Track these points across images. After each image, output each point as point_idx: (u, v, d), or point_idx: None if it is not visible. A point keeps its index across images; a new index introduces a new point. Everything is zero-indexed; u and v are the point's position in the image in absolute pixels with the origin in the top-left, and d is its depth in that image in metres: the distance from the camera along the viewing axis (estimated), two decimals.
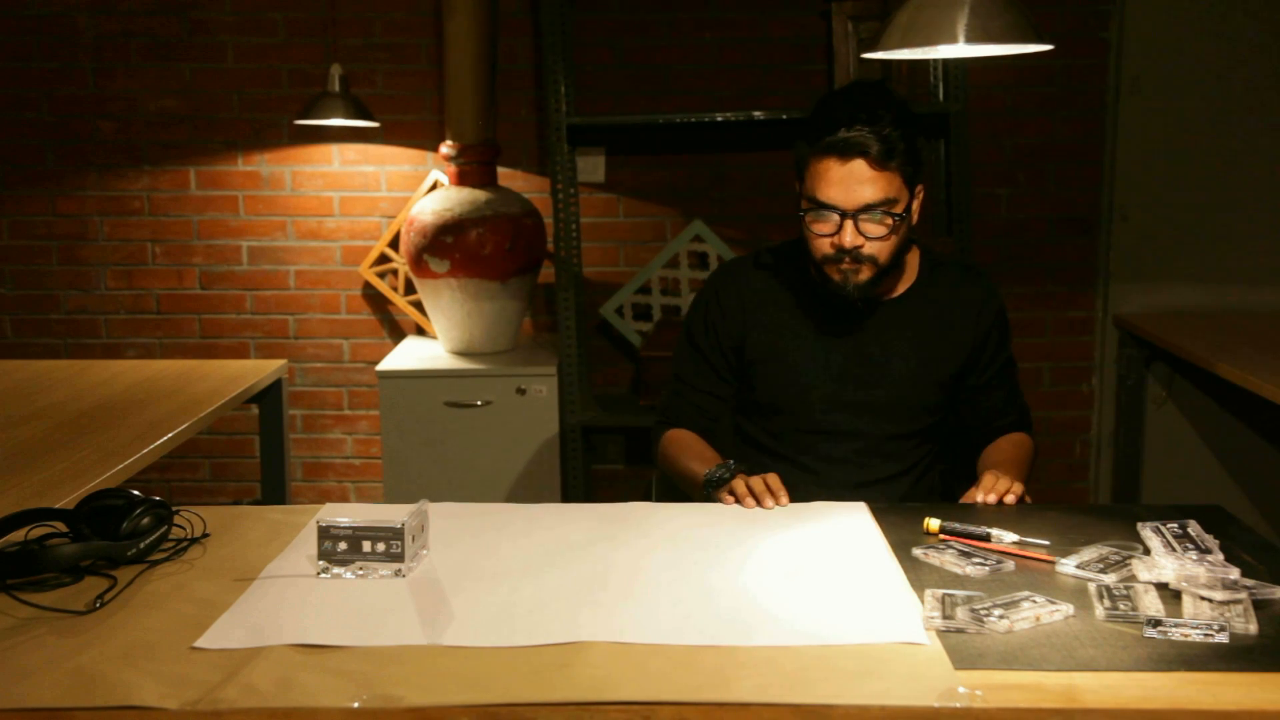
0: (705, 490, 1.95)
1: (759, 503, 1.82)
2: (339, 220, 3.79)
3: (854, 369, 2.07)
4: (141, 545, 1.55)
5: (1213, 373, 3.00)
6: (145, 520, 1.56)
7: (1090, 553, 1.55)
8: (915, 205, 1.97)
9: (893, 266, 1.99)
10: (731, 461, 1.97)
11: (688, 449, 2.10)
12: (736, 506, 1.83)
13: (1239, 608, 1.37)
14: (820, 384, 2.07)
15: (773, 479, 1.85)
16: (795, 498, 1.87)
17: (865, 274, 1.95)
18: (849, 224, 1.90)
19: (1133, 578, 1.49)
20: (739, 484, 1.85)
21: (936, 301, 2.09)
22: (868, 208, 1.89)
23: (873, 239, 1.91)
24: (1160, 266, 3.73)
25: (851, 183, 1.88)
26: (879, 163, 1.87)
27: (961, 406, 2.16)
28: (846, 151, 1.87)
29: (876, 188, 1.89)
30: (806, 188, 1.93)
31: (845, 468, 2.08)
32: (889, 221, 1.91)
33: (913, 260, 2.11)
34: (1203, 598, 1.40)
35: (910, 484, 2.12)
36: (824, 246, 1.94)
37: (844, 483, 2.06)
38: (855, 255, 1.92)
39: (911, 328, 2.07)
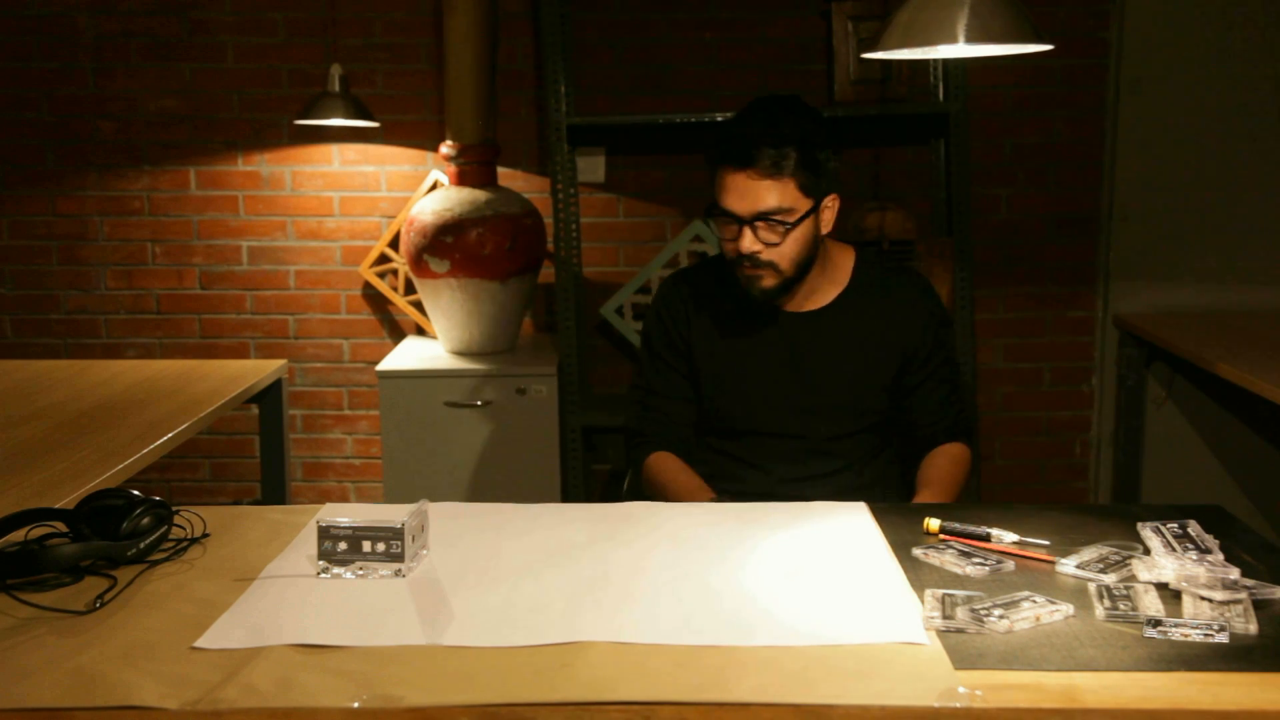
0: None
1: None
2: (339, 220, 3.79)
3: (791, 374, 2.14)
4: (141, 545, 1.55)
5: (1213, 373, 3.00)
6: (145, 520, 1.56)
7: (1090, 553, 1.55)
8: (827, 215, 2.06)
9: (801, 273, 2.06)
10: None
11: (673, 479, 2.14)
12: (737, 506, 1.83)
13: (1239, 608, 1.37)
14: (759, 389, 2.14)
15: None
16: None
17: (769, 279, 2.04)
18: (746, 230, 1.99)
19: (1133, 578, 1.49)
20: None
21: (872, 306, 2.15)
22: (761, 215, 1.98)
23: (769, 245, 2.00)
24: (1160, 266, 3.73)
25: (745, 191, 1.97)
26: (770, 172, 1.95)
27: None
28: (740, 161, 1.96)
29: (770, 196, 1.97)
30: (715, 192, 2.02)
31: (789, 464, 2.15)
32: (780, 230, 1.98)
33: (846, 266, 2.17)
34: (1203, 598, 1.40)
35: (855, 476, 2.17)
36: (730, 251, 2.04)
37: (788, 477, 2.14)
38: (754, 260, 2.01)
39: (847, 332, 2.13)
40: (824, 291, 2.15)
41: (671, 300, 2.22)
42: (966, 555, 1.56)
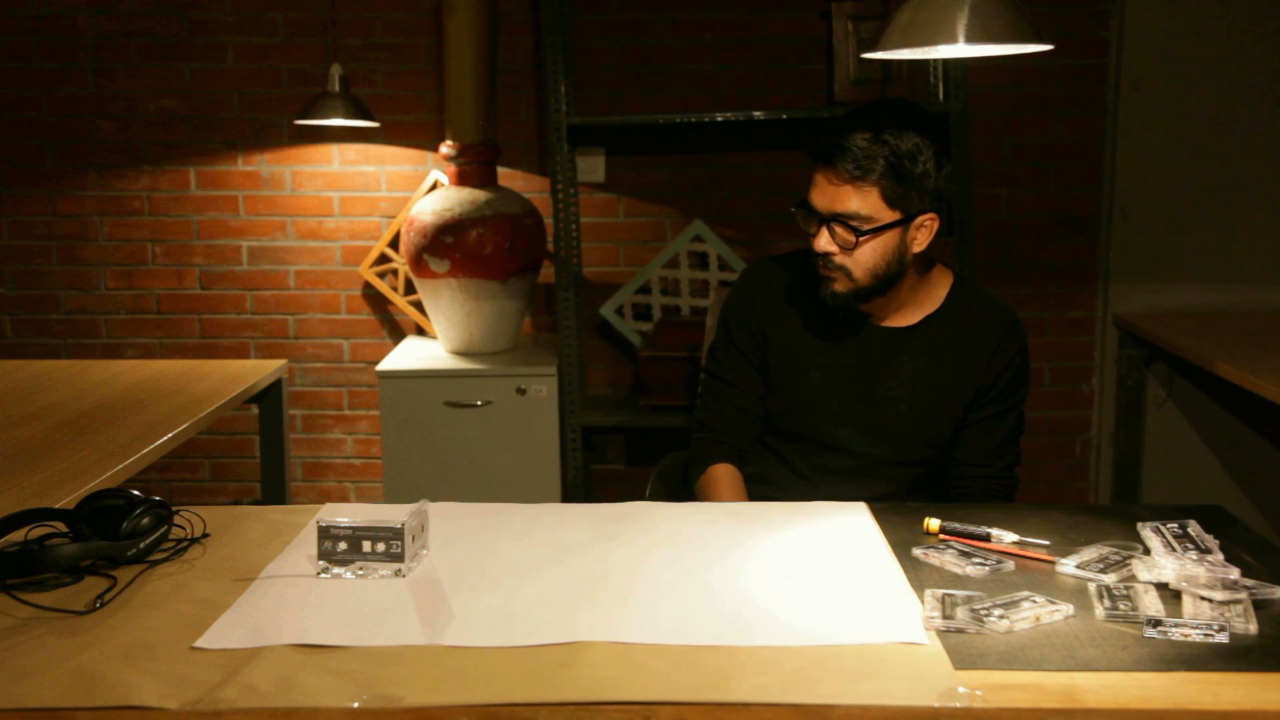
0: None
1: None
2: (339, 220, 3.79)
3: (861, 389, 2.06)
4: (141, 545, 1.55)
5: (1213, 373, 3.00)
6: (145, 520, 1.56)
7: (1090, 553, 1.55)
8: (920, 234, 1.96)
9: (878, 286, 1.98)
10: None
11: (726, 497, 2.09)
12: (737, 505, 1.83)
13: (1239, 608, 1.37)
14: (826, 399, 2.07)
15: None
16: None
17: (841, 284, 1.97)
18: (823, 229, 1.95)
19: (1133, 578, 1.49)
20: None
21: (955, 335, 2.06)
22: (838, 217, 1.93)
23: (844, 249, 1.94)
24: (1160, 266, 3.73)
25: (826, 189, 1.93)
26: (852, 175, 1.90)
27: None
28: (826, 158, 1.92)
29: (850, 200, 1.91)
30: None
31: (838, 479, 2.08)
32: (854, 236, 1.92)
33: (940, 289, 2.08)
34: (1203, 598, 1.40)
35: (895, 504, 2.11)
36: (812, 245, 1.99)
37: (833, 495, 2.03)
38: (827, 261, 1.96)
39: (924, 357, 2.06)
40: (911, 311, 2.06)
41: (755, 286, 2.14)
42: (966, 555, 1.56)
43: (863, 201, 1.91)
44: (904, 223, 1.93)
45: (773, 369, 2.11)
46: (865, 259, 1.94)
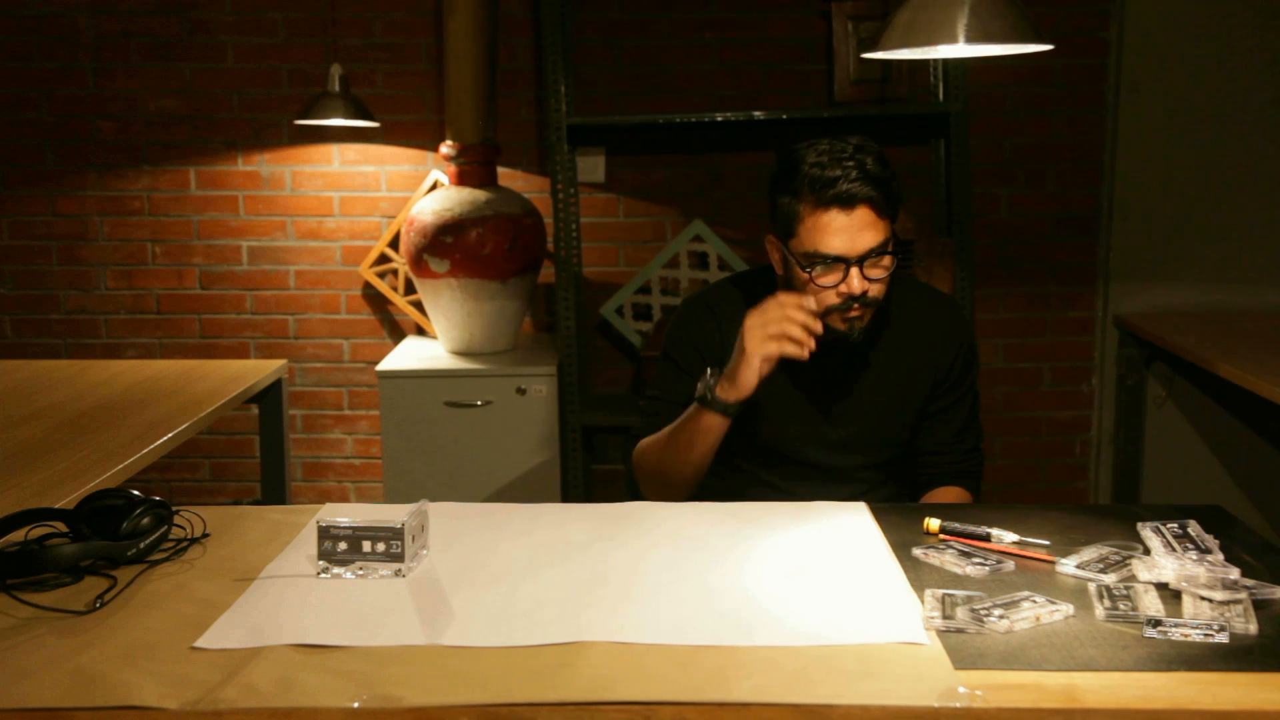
0: (708, 400, 1.92)
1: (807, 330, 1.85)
2: (339, 220, 3.79)
3: (824, 407, 2.08)
4: (141, 545, 1.55)
5: (1213, 373, 3.00)
6: (145, 520, 1.56)
7: (1090, 553, 1.55)
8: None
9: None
10: (708, 370, 1.95)
11: (658, 436, 2.05)
12: (736, 505, 1.83)
13: (1239, 608, 1.37)
14: (788, 423, 2.07)
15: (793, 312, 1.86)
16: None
17: (868, 317, 1.96)
18: (855, 271, 1.89)
19: (1133, 578, 1.49)
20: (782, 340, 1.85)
21: (904, 336, 2.08)
22: (871, 252, 1.89)
23: (876, 281, 1.92)
24: (1160, 266, 3.73)
25: (855, 231, 1.87)
26: (877, 207, 1.88)
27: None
28: (851, 202, 1.87)
29: (877, 231, 1.89)
30: (804, 241, 1.90)
31: (813, 486, 2.06)
32: (887, 261, 1.91)
33: None
34: (1203, 598, 1.40)
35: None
36: (830, 298, 1.91)
37: (805, 500, 2.01)
38: (863, 300, 1.92)
39: (879, 362, 2.08)
40: None
41: (699, 320, 2.12)
42: (966, 555, 1.56)
43: (884, 226, 1.90)
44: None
45: None
46: (887, 280, 1.94)
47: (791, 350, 1.85)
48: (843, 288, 1.90)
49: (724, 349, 2.01)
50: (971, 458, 2.15)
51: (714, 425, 1.95)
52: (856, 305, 1.92)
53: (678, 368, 2.13)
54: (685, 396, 2.04)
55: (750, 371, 1.88)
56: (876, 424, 2.09)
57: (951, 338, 2.10)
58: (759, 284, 2.09)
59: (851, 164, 1.87)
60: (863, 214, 1.87)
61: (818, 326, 1.87)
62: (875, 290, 1.92)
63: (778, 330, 1.85)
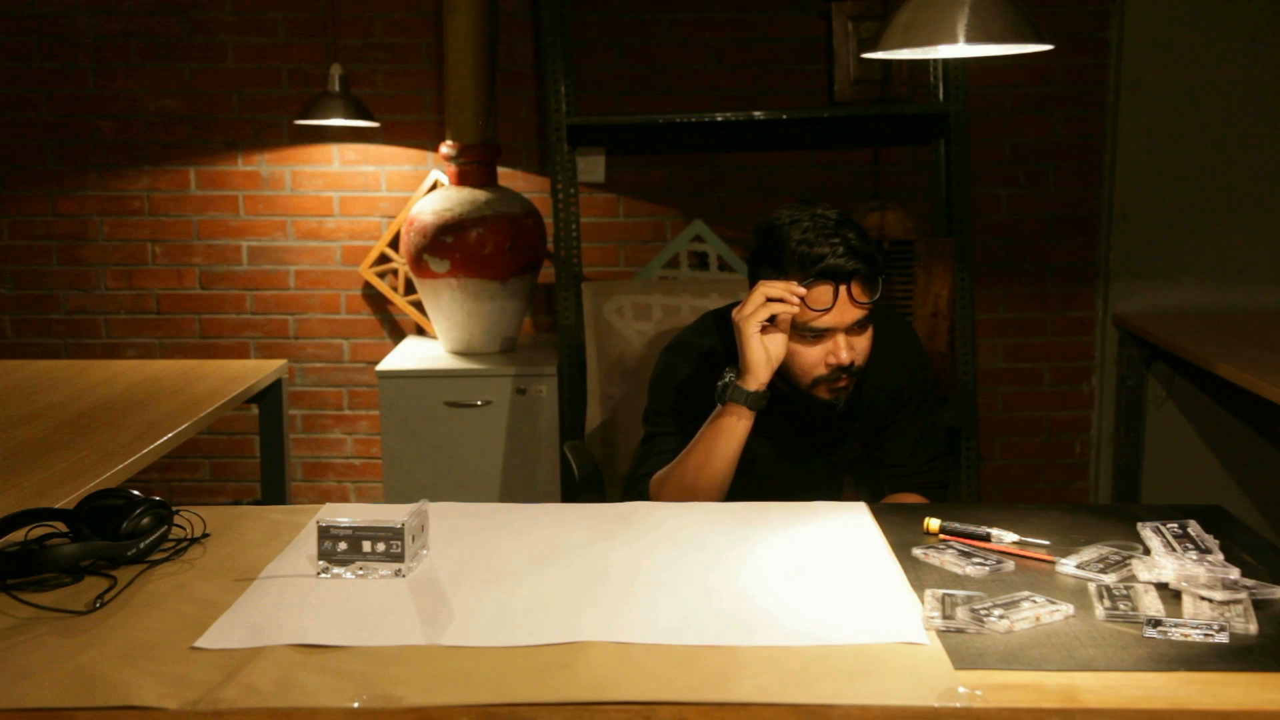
0: (731, 392, 1.94)
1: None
2: (339, 220, 3.79)
3: (793, 447, 2.12)
4: (141, 545, 1.55)
5: (1213, 373, 3.00)
6: (145, 520, 1.56)
7: (1090, 553, 1.55)
8: None
9: None
10: (726, 370, 1.98)
11: (678, 457, 2.05)
12: (737, 505, 1.83)
13: (1239, 608, 1.37)
14: (760, 463, 2.09)
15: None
16: None
17: (852, 386, 1.99)
18: (841, 340, 1.93)
19: (1133, 578, 1.49)
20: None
21: (872, 374, 2.07)
22: (858, 324, 1.93)
23: (861, 346, 1.96)
24: (1160, 266, 3.74)
25: (846, 305, 1.91)
26: (869, 280, 1.91)
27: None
28: (842, 278, 1.89)
29: (865, 301, 1.93)
30: (796, 309, 1.91)
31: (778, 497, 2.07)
32: (868, 328, 1.96)
33: None
34: (1203, 598, 1.40)
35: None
36: (818, 368, 1.95)
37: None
38: (849, 370, 1.95)
39: (857, 413, 2.12)
40: None
41: (680, 373, 2.11)
42: (966, 555, 1.56)
43: (868, 298, 1.93)
44: None
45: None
46: (868, 351, 1.98)
47: (778, 307, 1.89)
48: (830, 359, 1.93)
49: (713, 389, 2.02)
50: (931, 468, 2.18)
51: (737, 423, 1.96)
52: (844, 376, 1.95)
53: (668, 410, 2.13)
54: (686, 432, 2.05)
55: (754, 347, 1.91)
56: (841, 450, 2.17)
57: (912, 361, 2.15)
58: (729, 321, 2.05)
59: (838, 240, 1.90)
60: (854, 288, 1.91)
61: (798, 289, 1.88)
62: (860, 359, 1.96)
63: (758, 301, 1.89)
